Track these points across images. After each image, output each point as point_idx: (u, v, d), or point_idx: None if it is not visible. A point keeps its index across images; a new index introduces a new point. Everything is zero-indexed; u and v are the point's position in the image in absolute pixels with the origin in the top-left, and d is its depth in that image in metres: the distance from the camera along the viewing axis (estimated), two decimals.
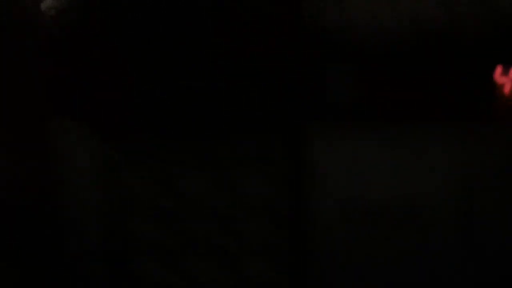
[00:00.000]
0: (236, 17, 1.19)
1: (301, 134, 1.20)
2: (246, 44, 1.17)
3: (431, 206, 1.21)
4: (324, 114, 1.19)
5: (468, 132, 1.18)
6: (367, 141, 1.20)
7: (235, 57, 1.18)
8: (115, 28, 1.20)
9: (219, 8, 1.19)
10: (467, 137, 1.19)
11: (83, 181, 1.24)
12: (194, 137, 1.22)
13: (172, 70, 1.19)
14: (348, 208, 1.22)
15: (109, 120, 1.22)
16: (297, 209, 1.24)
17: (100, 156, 1.23)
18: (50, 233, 1.22)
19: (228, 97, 1.20)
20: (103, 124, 1.22)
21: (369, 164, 1.21)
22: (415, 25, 1.18)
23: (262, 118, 1.21)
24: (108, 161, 1.23)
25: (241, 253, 1.26)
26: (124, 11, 1.20)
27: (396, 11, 1.18)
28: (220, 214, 1.24)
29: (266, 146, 1.21)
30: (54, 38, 1.20)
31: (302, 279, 1.26)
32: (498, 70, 1.16)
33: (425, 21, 1.17)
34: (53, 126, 1.21)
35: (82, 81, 1.20)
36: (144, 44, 1.20)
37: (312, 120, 1.19)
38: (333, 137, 1.20)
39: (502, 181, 1.20)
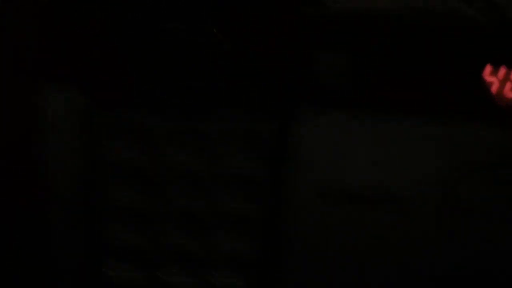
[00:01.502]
0: None
1: (287, 117, 1.20)
2: (238, 24, 1.16)
3: (409, 194, 1.23)
4: (313, 99, 1.19)
5: (453, 128, 1.19)
6: (352, 129, 1.20)
7: (228, 36, 1.17)
8: None
9: None
10: (452, 132, 1.19)
11: (67, 145, 1.24)
12: (182, 110, 1.22)
13: (164, 42, 1.18)
14: (326, 191, 1.24)
15: (97, 86, 1.22)
16: (276, 187, 1.25)
17: (87, 122, 1.23)
18: (31, 195, 1.23)
19: (218, 73, 1.20)
20: (91, 89, 1.22)
21: (351, 151, 1.22)
22: (411, 14, 1.17)
23: (251, 97, 1.21)
24: (94, 127, 1.24)
25: (216, 226, 1.27)
26: None
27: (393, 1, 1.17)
28: (200, 185, 1.26)
29: (253, 124, 1.22)
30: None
31: (275, 255, 1.28)
32: (488, 69, 1.16)
33: (420, 12, 1.17)
34: (42, 89, 1.20)
35: (73, 44, 1.19)
36: (137, 11, 1.19)
37: (300, 103, 1.19)
38: (319, 122, 1.20)
39: (482, 174, 1.22)
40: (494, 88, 1.17)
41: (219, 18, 1.16)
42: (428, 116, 1.19)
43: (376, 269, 1.26)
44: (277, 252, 1.28)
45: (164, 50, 1.17)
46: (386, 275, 1.27)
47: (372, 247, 1.26)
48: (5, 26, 1.16)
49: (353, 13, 1.17)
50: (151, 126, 1.22)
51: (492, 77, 1.16)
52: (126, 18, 1.17)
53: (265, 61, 1.17)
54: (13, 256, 1.28)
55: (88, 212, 1.27)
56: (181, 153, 1.24)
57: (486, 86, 1.17)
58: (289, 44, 1.17)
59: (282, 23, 1.17)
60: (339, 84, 1.19)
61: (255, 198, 1.26)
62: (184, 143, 1.23)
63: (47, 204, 1.25)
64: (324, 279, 1.28)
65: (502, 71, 1.16)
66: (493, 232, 1.23)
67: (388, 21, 1.17)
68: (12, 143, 1.24)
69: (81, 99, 1.21)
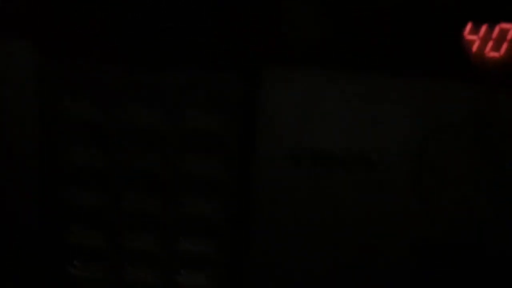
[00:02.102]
0: None
1: (253, 74, 1.13)
2: None
3: (382, 156, 1.16)
4: (280, 55, 1.12)
5: (430, 88, 1.12)
6: (323, 88, 1.13)
7: None
8: None
9: None
10: (428, 93, 1.12)
11: (22, 100, 1.17)
12: (143, 65, 1.14)
13: None
14: (296, 153, 1.17)
15: (53, 38, 1.14)
16: (244, 151, 1.18)
17: (42, 77, 1.16)
18: None
19: (182, 25, 1.12)
20: (47, 42, 1.14)
21: (322, 112, 1.15)
22: None
23: (218, 54, 1.13)
24: (50, 82, 1.16)
25: (181, 189, 1.21)
26: None
27: None
28: (163, 147, 1.19)
29: (220, 83, 1.14)
30: None
31: (244, 220, 1.22)
32: (468, 27, 1.08)
33: None
34: None
35: None
36: None
37: (266, 60, 1.12)
38: (288, 82, 1.13)
39: (458, 136, 1.15)
40: (474, 47, 1.09)
41: None
42: (404, 75, 1.11)
43: (348, 235, 1.20)
44: (246, 217, 1.22)
45: None
46: (359, 242, 1.21)
47: (343, 211, 1.20)
48: None
49: None
50: (108, 81, 1.15)
51: (473, 35, 1.08)
52: None
53: (226, 8, 1.09)
54: None
55: (45, 172, 1.21)
56: (140, 110, 1.17)
57: (466, 45, 1.09)
58: None
59: None
60: (308, 38, 1.11)
61: (220, 160, 1.19)
62: (144, 99, 1.16)
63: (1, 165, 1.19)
64: (294, 247, 1.22)
65: (483, 29, 1.08)
66: (467, 195, 1.17)
67: None
68: None
69: (34, 52, 1.13)
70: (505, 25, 1.08)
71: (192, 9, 1.11)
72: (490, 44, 1.08)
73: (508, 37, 1.08)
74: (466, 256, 1.20)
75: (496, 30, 1.08)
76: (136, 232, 1.24)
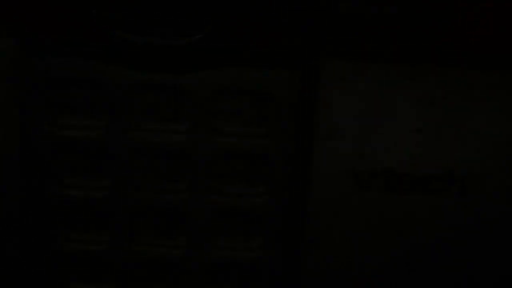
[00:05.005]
0: None
1: (314, 74, 0.89)
2: None
3: (473, 175, 0.93)
4: (338, 47, 0.88)
5: None
6: (393, 88, 0.90)
7: None
8: None
9: None
10: None
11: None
12: (161, 66, 0.90)
13: None
14: (360, 171, 0.94)
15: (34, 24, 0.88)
16: (292, 167, 0.94)
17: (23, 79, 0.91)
18: None
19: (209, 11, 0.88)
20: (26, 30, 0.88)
21: (392, 118, 0.91)
22: None
23: (264, 47, 0.88)
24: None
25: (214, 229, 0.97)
26: None
27: None
28: (186, 168, 0.94)
29: (267, 86, 0.90)
30: None
31: (295, 259, 0.98)
32: None
33: None
34: None
35: None
36: None
37: (320, 53, 0.88)
38: (353, 81, 0.89)
39: None
40: None
41: None
42: (496, 69, 0.88)
43: (431, 276, 0.96)
44: (297, 256, 0.98)
45: None
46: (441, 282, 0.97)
47: (421, 247, 0.95)
48: None
49: None
50: (114, 88, 0.90)
51: None
52: None
53: None
54: None
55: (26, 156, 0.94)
56: (151, 123, 0.92)
57: None
58: None
59: None
60: (374, 26, 0.87)
61: (264, 182, 0.94)
62: (161, 110, 0.92)
63: None
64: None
65: None
66: None
67: None
68: None
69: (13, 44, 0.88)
70: None
71: None
72: None
73: None
74: None
75: None
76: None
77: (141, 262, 1.00)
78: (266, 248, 0.98)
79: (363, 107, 0.91)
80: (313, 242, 0.96)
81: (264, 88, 0.89)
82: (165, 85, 0.89)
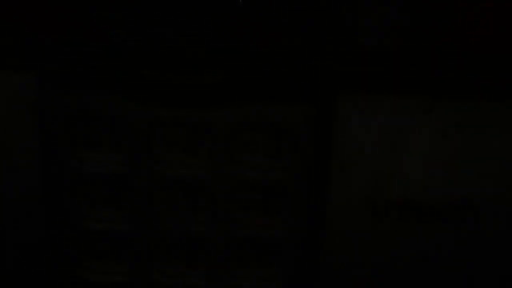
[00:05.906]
0: None
1: (330, 107, 0.89)
2: None
3: (489, 205, 0.92)
4: (355, 80, 0.88)
5: None
6: (410, 119, 0.90)
7: None
8: None
9: None
10: None
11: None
12: (181, 102, 0.90)
13: None
14: (378, 201, 0.93)
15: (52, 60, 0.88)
16: (311, 199, 0.94)
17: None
18: None
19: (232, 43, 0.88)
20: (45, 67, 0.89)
21: (409, 148, 0.91)
22: None
23: (273, 81, 0.89)
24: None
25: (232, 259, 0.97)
26: None
27: None
28: (209, 204, 0.94)
29: (285, 119, 0.90)
30: None
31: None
32: None
33: None
34: None
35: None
36: None
37: (338, 86, 0.88)
38: (370, 113, 0.89)
39: None
40: None
41: None
42: None
43: None
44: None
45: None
46: None
47: (442, 275, 0.95)
48: None
49: None
50: (128, 119, 0.90)
51: None
52: None
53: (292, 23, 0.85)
54: None
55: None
56: (171, 156, 0.93)
57: None
58: None
59: None
60: (391, 57, 0.87)
61: (282, 214, 0.95)
62: (180, 143, 0.92)
63: None
64: None
65: None
66: None
67: None
68: None
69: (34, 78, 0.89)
70: None
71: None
72: None
73: None
74: None
75: None
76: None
77: None
78: (282, 280, 0.98)
79: (380, 138, 0.91)
80: (329, 275, 0.97)
81: (283, 123, 0.90)
82: (187, 120, 0.89)
